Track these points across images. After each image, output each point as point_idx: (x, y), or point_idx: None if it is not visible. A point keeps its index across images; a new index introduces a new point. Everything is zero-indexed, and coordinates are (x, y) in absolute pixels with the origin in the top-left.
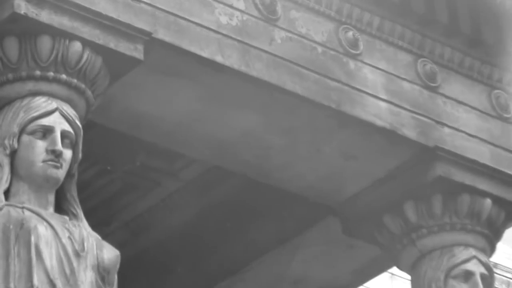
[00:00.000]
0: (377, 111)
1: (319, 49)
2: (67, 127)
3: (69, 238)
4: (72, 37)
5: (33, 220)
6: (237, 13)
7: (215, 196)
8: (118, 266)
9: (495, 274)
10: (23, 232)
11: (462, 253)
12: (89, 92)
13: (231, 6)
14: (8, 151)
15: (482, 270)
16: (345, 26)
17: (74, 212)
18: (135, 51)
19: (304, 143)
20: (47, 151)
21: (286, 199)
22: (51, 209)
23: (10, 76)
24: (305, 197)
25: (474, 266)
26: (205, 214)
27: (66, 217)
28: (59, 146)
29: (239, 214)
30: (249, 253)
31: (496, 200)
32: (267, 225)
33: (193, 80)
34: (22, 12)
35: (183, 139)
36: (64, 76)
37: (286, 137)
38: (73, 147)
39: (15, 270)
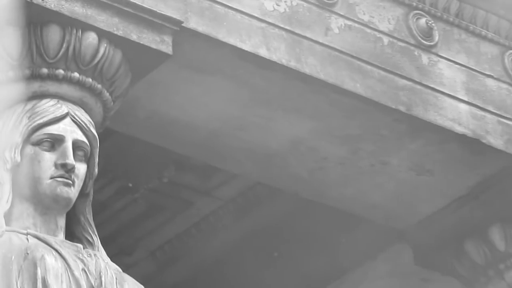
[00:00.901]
0: (456, 115)
1: (385, 40)
2: (80, 136)
3: (84, 270)
4: (85, 27)
5: (40, 249)
6: None
7: (259, 218)
8: None
9: None
10: (28, 263)
11: None
12: (106, 94)
13: None
14: (9, 166)
15: None
16: (417, 11)
17: (90, 239)
18: (162, 43)
19: (367, 154)
20: (56, 165)
21: (345, 222)
22: (61, 235)
23: (10, 74)
24: (369, 220)
25: None
26: (247, 241)
27: (80, 245)
28: (70, 159)
29: (288, 241)
30: (303, 285)
31: None
32: (322, 254)
33: (233, 79)
34: None
35: (220, 150)
36: (76, 75)
37: (345, 147)
38: (88, 160)
39: None
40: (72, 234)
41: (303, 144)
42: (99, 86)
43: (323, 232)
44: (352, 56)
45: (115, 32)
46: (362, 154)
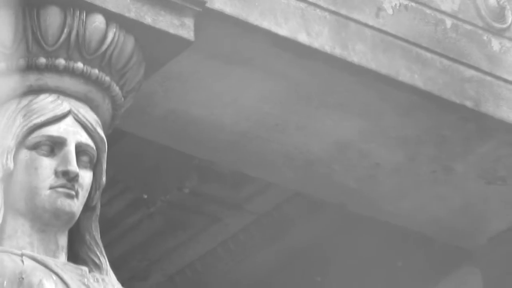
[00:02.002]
0: None
1: (448, 22)
2: (84, 139)
3: None
4: (91, 8)
5: (37, 273)
6: None
7: (298, 236)
8: None
9: None
10: None
11: None
12: (116, 88)
13: None
14: (0, 174)
15: None
16: None
17: (97, 261)
18: (182, 28)
19: (427, 159)
20: (56, 173)
21: (401, 241)
22: (62, 257)
23: (2, 65)
24: (430, 238)
25: None
26: (284, 262)
27: (85, 269)
28: (73, 165)
29: (333, 263)
30: None
31: None
32: (374, 280)
33: (266, 71)
34: None
35: (251, 156)
36: (80, 65)
37: (401, 151)
38: (94, 167)
39: None
40: (75, 255)
41: (351, 148)
42: (107, 78)
43: (375, 253)
44: (409, 42)
45: (126, 15)
46: (422, 159)
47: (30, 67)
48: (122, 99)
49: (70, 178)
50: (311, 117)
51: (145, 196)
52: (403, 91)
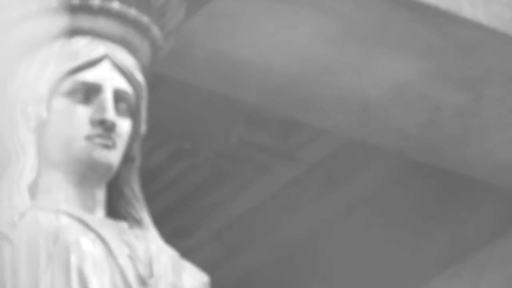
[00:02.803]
0: None
1: None
2: (122, 85)
3: (130, 257)
4: None
5: (74, 231)
6: None
7: (354, 187)
8: None
9: None
10: (59, 249)
11: None
12: (155, 29)
13: None
14: (33, 124)
15: None
16: None
17: (137, 216)
18: None
19: (493, 101)
20: (92, 122)
21: (466, 190)
22: (100, 212)
23: (33, 7)
24: (498, 187)
25: None
26: (339, 215)
27: (124, 225)
28: (110, 114)
29: (392, 215)
30: (413, 275)
31: None
32: (437, 232)
33: (318, 7)
34: None
35: (303, 101)
36: (115, 4)
37: (464, 93)
38: (133, 115)
39: None
40: (114, 210)
41: (410, 90)
42: (146, 19)
43: (438, 203)
44: None
45: None
46: (487, 101)
47: (62, 8)
48: (163, 41)
49: (107, 128)
50: (367, 58)
51: (189, 146)
52: (466, 28)
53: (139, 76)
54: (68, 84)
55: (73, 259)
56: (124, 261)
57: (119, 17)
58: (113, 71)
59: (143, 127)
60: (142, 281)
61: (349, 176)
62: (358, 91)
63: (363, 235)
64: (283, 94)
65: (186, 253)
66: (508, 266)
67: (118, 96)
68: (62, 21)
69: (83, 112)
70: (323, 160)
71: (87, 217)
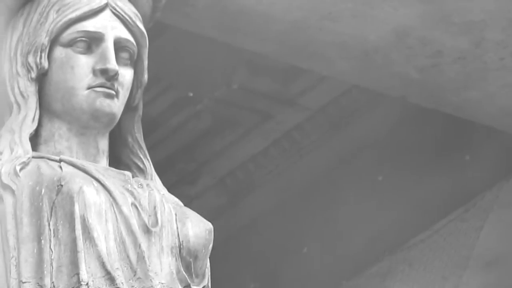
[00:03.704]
0: None
1: None
2: (123, 34)
3: (134, 205)
4: None
5: (77, 180)
6: None
7: (356, 133)
8: (210, 246)
9: None
10: (62, 198)
11: None
12: None
13: None
14: (34, 74)
15: None
16: None
17: (140, 165)
18: None
19: (495, 45)
20: (94, 71)
21: (468, 134)
22: (104, 161)
23: None
24: (499, 131)
25: None
26: (342, 162)
27: (128, 173)
28: (112, 63)
29: (395, 160)
30: (416, 220)
31: None
32: (440, 177)
33: None
34: None
35: (305, 47)
36: None
37: (466, 37)
38: (135, 64)
39: (51, 259)
40: (117, 160)
41: (411, 35)
42: None
43: (441, 147)
44: None
45: None
46: (488, 45)
47: None
48: None
49: (109, 77)
50: (367, 3)
51: (191, 94)
52: None
53: (141, 25)
54: (69, 34)
55: (77, 208)
56: (128, 209)
57: None
58: (115, 20)
59: (145, 76)
60: (147, 229)
61: (352, 122)
62: (359, 37)
63: (366, 180)
64: (284, 40)
65: (190, 200)
66: (511, 210)
67: (120, 46)
68: None
69: (85, 62)
70: (325, 106)
71: (91, 166)
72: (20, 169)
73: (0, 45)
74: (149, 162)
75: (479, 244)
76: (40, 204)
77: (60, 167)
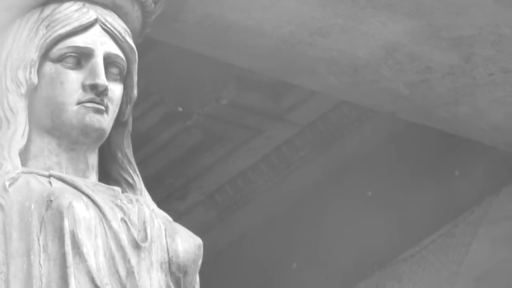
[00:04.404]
0: None
1: None
2: (113, 49)
3: (123, 220)
4: None
5: (67, 195)
6: None
7: (345, 148)
8: (200, 262)
9: None
10: (52, 213)
11: None
12: None
13: None
14: (23, 90)
15: None
16: None
17: (130, 180)
18: None
19: (484, 60)
20: (84, 87)
21: (457, 149)
22: (93, 176)
23: None
24: (488, 146)
25: None
26: (331, 177)
27: (118, 189)
28: (102, 78)
29: (384, 176)
30: (405, 235)
31: None
32: (429, 192)
33: None
34: None
35: (294, 62)
36: None
37: (455, 53)
38: (124, 79)
39: (40, 274)
40: (107, 175)
41: (400, 51)
42: None
43: (430, 163)
44: None
45: None
46: (477, 60)
47: None
48: (153, 5)
49: (98, 92)
50: (357, 19)
51: (180, 109)
52: None
53: (130, 41)
54: (58, 50)
55: (67, 223)
56: (117, 225)
57: None
58: (104, 36)
59: (135, 91)
60: (136, 244)
61: (341, 137)
62: (348, 52)
63: (356, 195)
64: (273, 56)
65: (179, 216)
66: (500, 225)
67: (109, 61)
68: None
69: (75, 77)
70: (315, 121)
71: (80, 182)
72: (9, 185)
73: None
74: (138, 177)
75: (468, 260)
76: (30, 219)
77: (50, 183)
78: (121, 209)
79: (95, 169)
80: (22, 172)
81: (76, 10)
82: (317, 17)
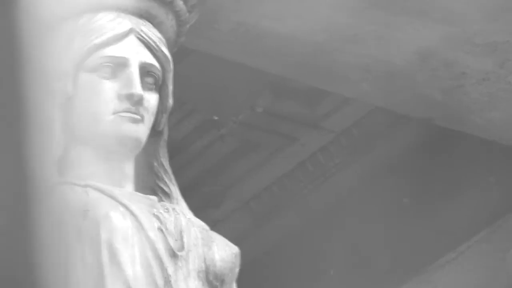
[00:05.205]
0: None
1: None
2: (148, 59)
3: (160, 230)
4: None
5: (103, 205)
6: None
7: (380, 154)
8: (237, 270)
9: None
10: (88, 224)
11: None
12: (180, 2)
13: None
14: (59, 100)
15: None
16: None
17: (166, 189)
18: None
19: None
20: (119, 96)
21: (494, 156)
22: (129, 186)
23: None
24: None
25: None
26: (366, 183)
27: (154, 198)
28: (137, 88)
29: (421, 183)
30: (441, 241)
31: None
32: (466, 200)
33: None
34: None
35: (328, 69)
36: None
37: (490, 59)
38: (160, 89)
39: (78, 283)
40: (143, 184)
41: (435, 57)
42: None
43: (465, 168)
44: None
45: None
46: None
47: None
48: (187, 14)
49: (134, 102)
50: (391, 26)
51: (216, 118)
52: None
53: (165, 50)
54: (93, 60)
55: (104, 234)
56: (154, 234)
57: None
58: (139, 45)
59: (170, 101)
60: (173, 253)
61: (375, 144)
62: (382, 59)
63: (391, 201)
64: (307, 63)
65: (215, 224)
66: None
67: (145, 70)
68: None
69: (110, 87)
70: (349, 128)
71: (117, 191)
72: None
73: (27, 71)
74: (174, 186)
75: (504, 266)
76: (66, 229)
77: (86, 193)
78: (158, 218)
79: (131, 178)
80: (59, 183)
81: (111, 20)
82: (351, 24)
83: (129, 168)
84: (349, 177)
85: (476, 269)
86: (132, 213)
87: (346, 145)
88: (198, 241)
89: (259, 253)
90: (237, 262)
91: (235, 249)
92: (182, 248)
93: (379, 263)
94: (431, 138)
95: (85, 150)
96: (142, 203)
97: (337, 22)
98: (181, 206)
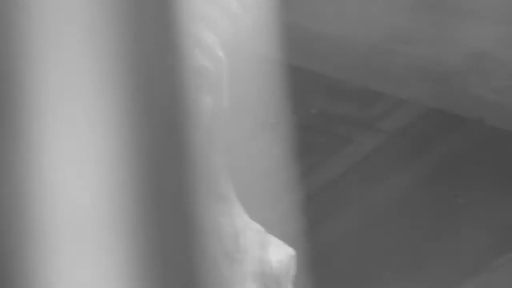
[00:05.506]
0: None
1: None
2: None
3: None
4: None
5: None
6: None
7: (435, 155)
8: (292, 272)
9: None
10: None
11: None
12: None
13: None
14: None
15: None
16: None
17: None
18: None
19: None
20: None
21: None
22: None
23: None
24: None
25: None
26: (421, 184)
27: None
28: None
29: (476, 183)
30: (497, 242)
31: None
32: None
33: None
34: None
35: (382, 71)
36: None
37: None
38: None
39: None
40: None
41: (489, 58)
42: None
43: None
44: None
45: None
46: None
47: None
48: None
49: None
50: (444, 27)
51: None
52: None
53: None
54: None
55: None
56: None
57: None
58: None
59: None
60: (229, 257)
61: (430, 144)
62: (436, 60)
63: (447, 202)
64: (362, 65)
65: (270, 226)
66: None
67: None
68: None
69: None
70: (403, 129)
71: None
72: None
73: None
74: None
75: None
76: None
77: None
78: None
79: None
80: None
81: None
82: (405, 25)
83: None
84: (403, 178)
85: None
86: None
87: (400, 146)
88: (254, 243)
89: (313, 255)
90: (293, 264)
91: (291, 251)
92: (237, 251)
93: (435, 265)
94: (485, 138)
95: None
96: None
97: (391, 23)
98: (237, 209)
